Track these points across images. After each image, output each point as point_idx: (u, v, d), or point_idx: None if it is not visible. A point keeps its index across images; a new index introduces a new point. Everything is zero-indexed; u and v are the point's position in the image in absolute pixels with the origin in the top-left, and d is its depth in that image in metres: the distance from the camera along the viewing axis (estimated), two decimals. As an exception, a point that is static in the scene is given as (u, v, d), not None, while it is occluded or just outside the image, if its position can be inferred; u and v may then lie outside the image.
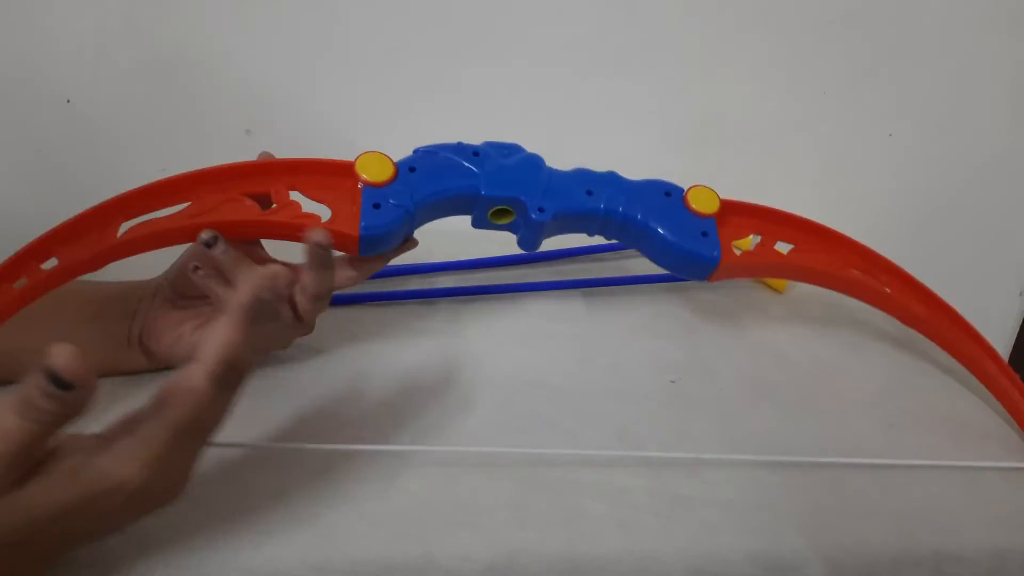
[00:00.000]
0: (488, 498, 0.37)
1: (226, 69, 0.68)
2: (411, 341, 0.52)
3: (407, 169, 0.42)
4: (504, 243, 0.67)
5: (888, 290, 0.48)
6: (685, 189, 0.47)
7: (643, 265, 0.67)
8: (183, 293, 0.43)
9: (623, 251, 0.68)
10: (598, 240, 0.68)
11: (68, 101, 0.67)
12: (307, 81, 0.70)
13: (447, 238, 0.69)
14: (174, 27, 0.67)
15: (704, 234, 0.46)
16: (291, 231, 0.39)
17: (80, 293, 0.38)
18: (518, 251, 0.65)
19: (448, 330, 0.54)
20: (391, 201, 0.40)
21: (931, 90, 0.76)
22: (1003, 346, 0.93)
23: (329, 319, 0.54)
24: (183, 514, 0.35)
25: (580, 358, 0.51)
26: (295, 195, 0.41)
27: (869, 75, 0.75)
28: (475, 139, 0.46)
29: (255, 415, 0.42)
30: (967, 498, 0.40)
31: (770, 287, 0.62)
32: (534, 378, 0.48)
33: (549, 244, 0.67)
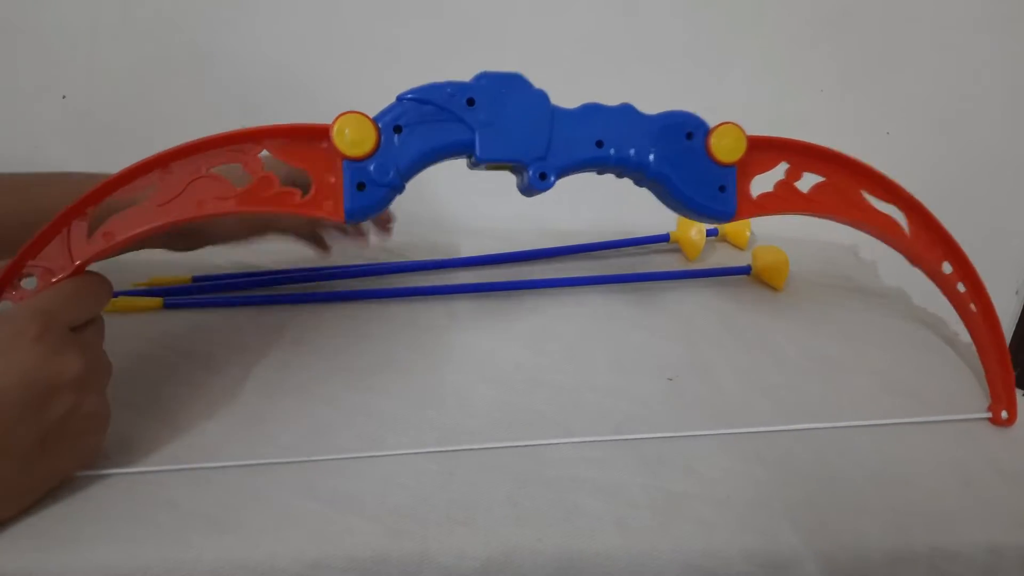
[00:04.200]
0: (485, 495, 0.37)
1: (222, 63, 0.68)
2: (410, 338, 0.52)
3: (391, 129, 0.38)
4: (502, 242, 0.67)
5: (907, 229, 0.46)
6: (710, 128, 0.42)
7: (641, 263, 0.68)
8: None
9: (622, 248, 0.69)
10: (596, 239, 0.68)
11: (64, 97, 0.67)
12: (303, 75, 0.70)
13: (445, 236, 0.69)
14: (169, 21, 0.67)
15: (722, 188, 0.42)
16: (270, 208, 0.37)
17: None
18: (516, 249, 0.66)
19: (446, 327, 0.54)
20: (376, 180, 0.38)
21: (928, 89, 0.76)
22: (999, 344, 0.93)
23: (326, 316, 0.54)
24: (180, 512, 0.35)
25: (578, 356, 0.51)
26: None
27: (867, 74, 0.75)
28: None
29: (254, 413, 0.43)
30: (963, 495, 0.40)
31: (768, 285, 0.62)
32: (532, 376, 0.48)
33: (547, 242, 0.67)
